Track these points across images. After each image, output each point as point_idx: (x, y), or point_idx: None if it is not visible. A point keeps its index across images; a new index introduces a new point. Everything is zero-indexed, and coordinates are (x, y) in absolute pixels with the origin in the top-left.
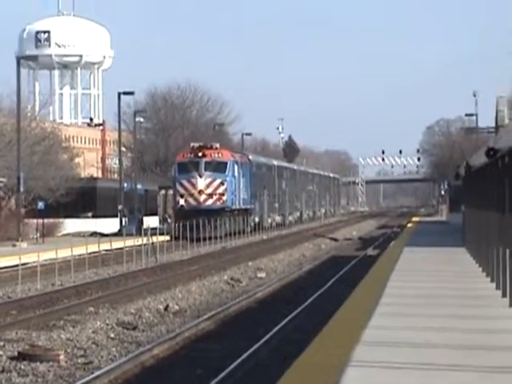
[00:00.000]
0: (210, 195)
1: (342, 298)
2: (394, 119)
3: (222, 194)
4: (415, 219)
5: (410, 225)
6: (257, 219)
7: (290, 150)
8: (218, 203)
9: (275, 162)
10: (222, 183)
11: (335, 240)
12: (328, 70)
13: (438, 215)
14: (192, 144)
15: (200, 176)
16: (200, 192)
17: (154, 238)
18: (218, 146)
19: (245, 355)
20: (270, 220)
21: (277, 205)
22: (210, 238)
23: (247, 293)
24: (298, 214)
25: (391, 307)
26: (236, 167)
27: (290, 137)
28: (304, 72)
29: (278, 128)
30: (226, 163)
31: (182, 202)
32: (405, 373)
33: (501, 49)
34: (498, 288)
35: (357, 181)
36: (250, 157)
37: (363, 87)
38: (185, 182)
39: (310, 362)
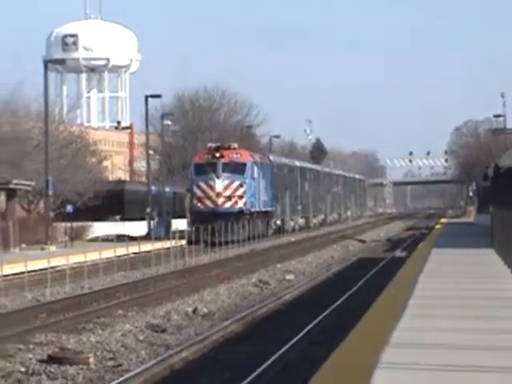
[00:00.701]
0: (229, 197)
1: (371, 299)
2: (422, 120)
3: (241, 197)
4: (443, 221)
5: (437, 226)
6: (278, 222)
7: (318, 152)
8: (237, 206)
9: (298, 163)
10: (240, 185)
11: (363, 242)
12: (355, 72)
13: (466, 216)
14: (209, 144)
15: (218, 177)
16: (218, 194)
17: (173, 242)
18: (236, 146)
19: (273, 358)
20: (292, 223)
21: (300, 207)
22: (228, 243)
23: (276, 295)
24: (323, 216)
25: (420, 309)
26: (255, 168)
27: (317, 139)
28: (331, 75)
29: (305, 130)
30: (245, 164)
31: (198, 204)
32: (433, 374)
33: None
34: None
35: (384, 182)
36: (271, 157)
37: (391, 89)
38: (202, 184)
39: (339, 364)
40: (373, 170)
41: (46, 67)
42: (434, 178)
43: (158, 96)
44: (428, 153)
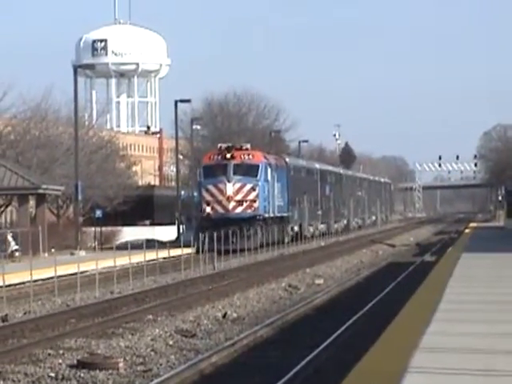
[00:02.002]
0: (240, 202)
1: (401, 304)
2: (451, 125)
3: (254, 201)
4: (472, 225)
5: (467, 230)
6: (296, 228)
7: (347, 156)
8: (249, 211)
9: (317, 165)
10: (253, 188)
11: (392, 246)
12: (384, 77)
13: (496, 221)
14: (219, 144)
15: (228, 181)
16: (228, 198)
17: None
18: (248, 146)
19: (303, 362)
20: (311, 229)
21: (320, 212)
22: (240, 251)
23: (305, 299)
24: (345, 221)
25: (450, 313)
26: (269, 170)
27: (346, 143)
28: (360, 79)
29: (334, 135)
30: (258, 166)
31: (208, 209)
32: (464, 379)
33: None
34: None
35: (413, 187)
36: (287, 159)
37: (419, 94)
38: (211, 188)
39: (369, 369)
40: (402, 175)
41: (75, 72)
42: (464, 182)
43: (188, 101)
44: (457, 157)
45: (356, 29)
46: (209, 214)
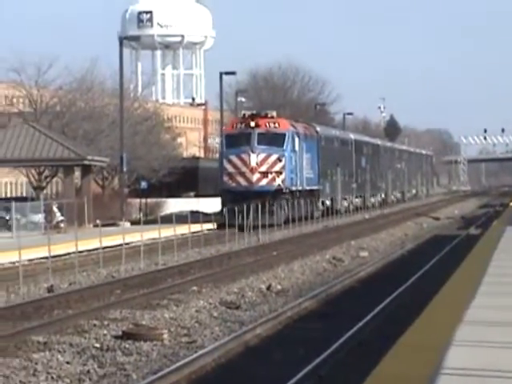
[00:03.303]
0: (265, 174)
1: (445, 277)
2: (496, 97)
3: (280, 173)
4: None
5: None
6: (328, 202)
7: (392, 129)
8: (275, 184)
9: (352, 136)
10: (279, 159)
11: (437, 219)
12: (430, 50)
13: None
14: (243, 112)
15: (252, 151)
16: (252, 170)
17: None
18: (274, 114)
19: (347, 335)
20: (345, 203)
21: (354, 185)
22: (270, 226)
23: (349, 272)
24: (383, 195)
25: (494, 286)
26: (297, 140)
27: (391, 116)
28: (405, 54)
29: (379, 107)
30: (284, 134)
31: (230, 182)
32: (507, 352)
33: None
34: None
35: (458, 160)
36: (318, 128)
37: (465, 67)
38: (234, 159)
39: (413, 342)
40: (447, 147)
41: (121, 44)
42: (509, 154)
43: (233, 73)
44: (503, 130)
45: (401, 6)
46: (231, 186)
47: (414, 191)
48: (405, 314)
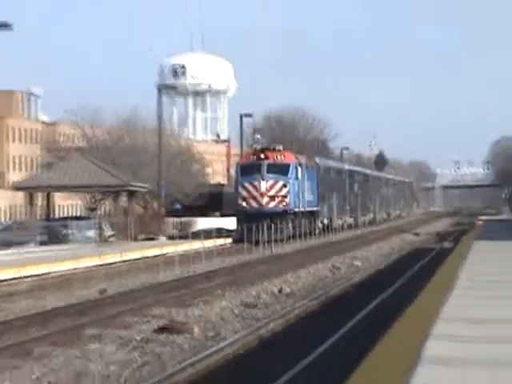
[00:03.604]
0: (273, 197)
1: (425, 281)
2: (467, 135)
3: (285, 196)
4: (483, 218)
5: (478, 222)
6: (326, 221)
7: (380, 161)
8: (281, 205)
9: (346, 166)
10: (284, 185)
11: (417, 235)
12: (413, 94)
13: (501, 215)
14: (255, 146)
15: (262, 178)
16: (262, 194)
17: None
18: (281, 148)
19: (343, 330)
20: (340, 222)
21: (348, 207)
22: (277, 241)
23: (346, 278)
24: (372, 215)
25: (466, 290)
26: (300, 169)
27: (380, 151)
28: (392, 95)
29: (370, 145)
30: (289, 165)
31: (244, 204)
32: (479, 346)
33: None
34: None
35: (434, 186)
36: (317, 160)
37: (443, 108)
38: (247, 185)
39: (397, 335)
40: (425, 176)
41: (159, 91)
42: (476, 183)
43: (250, 115)
44: (470, 162)
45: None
46: (245, 208)
47: (397, 212)
48: (392, 313)
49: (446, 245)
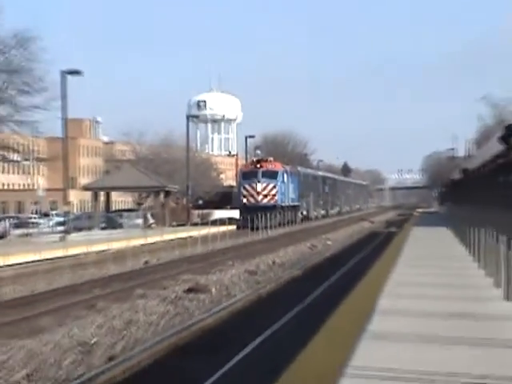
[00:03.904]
0: (265, 195)
1: (379, 254)
2: (407, 150)
3: (275, 195)
4: (419, 210)
5: (415, 214)
6: (305, 212)
7: (345, 170)
8: (272, 201)
9: (320, 173)
10: (274, 187)
11: (372, 222)
12: (368, 116)
13: (432, 208)
14: (252, 158)
15: (258, 181)
16: (258, 193)
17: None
18: (272, 159)
19: (321, 288)
20: (315, 213)
21: (321, 202)
22: (270, 227)
23: (321, 253)
24: (338, 208)
25: (406, 260)
26: (285, 175)
27: (345, 162)
28: (355, 120)
29: (337, 157)
30: (277, 172)
31: (245, 200)
32: (410, 301)
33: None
34: (468, 250)
35: (384, 188)
36: (299, 168)
37: (389, 125)
38: (247, 186)
39: (352, 304)
40: (377, 180)
41: (187, 120)
42: (414, 185)
43: (252, 137)
44: (410, 170)
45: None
46: (245, 203)
47: (357, 206)
48: (355, 275)
49: (393, 229)
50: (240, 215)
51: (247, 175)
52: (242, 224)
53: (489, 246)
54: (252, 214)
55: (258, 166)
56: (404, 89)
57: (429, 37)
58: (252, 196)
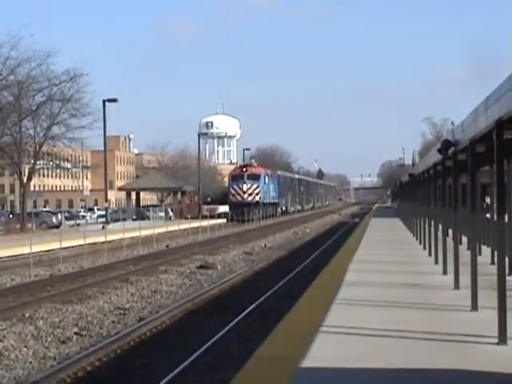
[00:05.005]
0: (250, 194)
1: (345, 240)
2: (368, 157)
3: (257, 194)
4: (377, 205)
5: (374, 208)
6: (284, 208)
7: (320, 174)
8: (255, 199)
9: (297, 176)
10: (257, 187)
11: (340, 215)
12: (340, 130)
13: (387, 203)
14: (239, 163)
15: (244, 183)
16: (244, 192)
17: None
18: (255, 164)
19: (302, 265)
20: (293, 208)
21: (297, 199)
22: (252, 220)
23: (301, 238)
24: (312, 204)
25: (367, 243)
26: (267, 177)
27: (319, 169)
28: (328, 130)
29: (314, 164)
30: (260, 175)
31: (233, 198)
32: (372, 275)
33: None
34: (414, 235)
35: (349, 188)
36: (279, 172)
37: (354, 140)
38: (235, 187)
39: (326, 278)
40: (344, 182)
41: (199, 137)
42: (372, 186)
43: (248, 149)
44: (369, 174)
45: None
46: (234, 201)
47: (327, 202)
48: (328, 255)
49: (356, 220)
50: (229, 210)
51: (235, 178)
52: (231, 217)
53: (429, 233)
54: (239, 210)
55: (244, 170)
56: (367, 111)
57: (383, 72)
58: (239, 195)
